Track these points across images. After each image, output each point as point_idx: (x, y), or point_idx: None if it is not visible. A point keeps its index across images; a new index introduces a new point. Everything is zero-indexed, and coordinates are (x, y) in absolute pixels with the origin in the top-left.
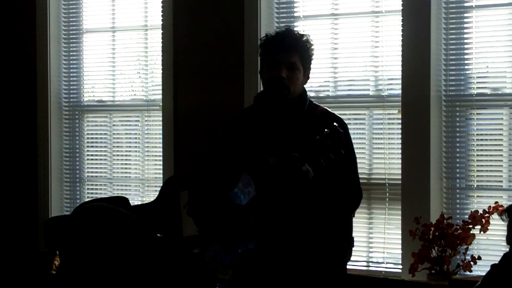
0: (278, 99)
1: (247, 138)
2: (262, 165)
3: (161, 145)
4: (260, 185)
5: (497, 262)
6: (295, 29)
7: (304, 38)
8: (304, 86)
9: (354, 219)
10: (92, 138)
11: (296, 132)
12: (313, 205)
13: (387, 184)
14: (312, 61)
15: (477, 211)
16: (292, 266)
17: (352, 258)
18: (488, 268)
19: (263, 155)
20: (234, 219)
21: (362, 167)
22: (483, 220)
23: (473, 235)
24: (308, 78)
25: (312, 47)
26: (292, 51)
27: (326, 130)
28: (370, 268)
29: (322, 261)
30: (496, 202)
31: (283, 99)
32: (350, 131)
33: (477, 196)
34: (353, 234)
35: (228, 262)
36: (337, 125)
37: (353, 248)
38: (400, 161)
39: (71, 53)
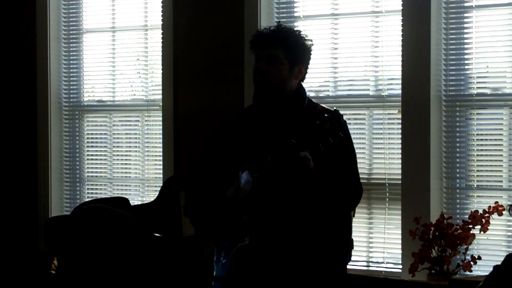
0: (259, 92)
1: (246, 137)
2: (259, 162)
3: (161, 145)
4: (257, 181)
5: (497, 262)
6: (297, 27)
7: (294, 34)
8: (302, 84)
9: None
10: (92, 138)
11: (294, 129)
12: (312, 196)
13: (387, 184)
14: (306, 58)
15: (477, 211)
16: (288, 264)
17: (352, 258)
18: (488, 268)
19: (261, 152)
20: (228, 217)
21: (362, 167)
22: (483, 220)
23: (473, 235)
24: (300, 73)
25: (306, 43)
26: (275, 45)
27: (326, 115)
28: (370, 268)
29: (320, 261)
30: (496, 202)
31: (264, 91)
32: (350, 131)
33: (477, 196)
34: (354, 234)
35: (224, 262)
36: (337, 110)
37: (353, 248)
38: (400, 161)
39: (71, 53)
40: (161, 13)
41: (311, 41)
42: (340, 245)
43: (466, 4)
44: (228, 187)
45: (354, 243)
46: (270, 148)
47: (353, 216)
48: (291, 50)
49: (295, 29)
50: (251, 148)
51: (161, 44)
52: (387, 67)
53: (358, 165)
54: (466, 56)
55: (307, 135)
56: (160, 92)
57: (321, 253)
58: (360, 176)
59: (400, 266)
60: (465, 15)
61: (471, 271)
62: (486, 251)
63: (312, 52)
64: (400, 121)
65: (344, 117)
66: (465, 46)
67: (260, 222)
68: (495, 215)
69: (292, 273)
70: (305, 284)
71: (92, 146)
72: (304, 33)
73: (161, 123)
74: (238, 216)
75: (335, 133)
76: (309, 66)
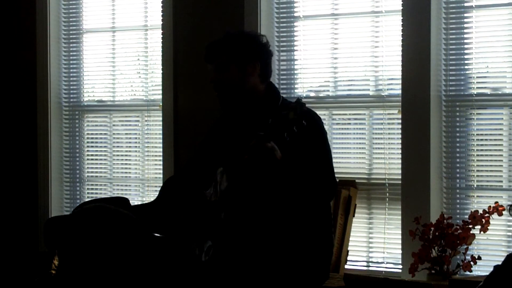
0: (220, 101)
1: (223, 139)
2: (235, 160)
3: (161, 145)
4: (231, 177)
5: (497, 262)
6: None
7: (234, 37)
8: (272, 83)
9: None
10: (92, 138)
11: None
12: (281, 186)
13: (387, 184)
14: (253, 54)
15: (477, 211)
16: (264, 258)
17: (352, 258)
18: (488, 268)
19: (237, 152)
20: (206, 215)
21: (362, 167)
22: (483, 220)
23: (473, 235)
24: (255, 70)
25: (251, 40)
26: (218, 54)
27: (291, 105)
28: (370, 268)
29: (295, 254)
30: (496, 202)
31: (223, 99)
32: (350, 131)
33: (477, 196)
34: (354, 234)
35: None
36: (300, 99)
37: (353, 248)
38: (400, 161)
39: (71, 53)
40: (161, 13)
41: (259, 36)
42: (316, 239)
43: (466, 4)
44: (207, 187)
45: (355, 244)
46: (246, 147)
47: (353, 216)
48: (233, 52)
49: (240, 31)
50: (228, 148)
51: (161, 44)
52: (387, 67)
53: (359, 165)
54: (466, 56)
55: (272, 125)
56: (160, 92)
57: (295, 245)
58: (360, 176)
59: (400, 266)
60: (465, 15)
61: (471, 271)
62: (486, 251)
63: (263, 46)
64: (400, 121)
65: (344, 117)
66: (465, 46)
67: (236, 218)
68: (495, 215)
69: (268, 268)
70: (283, 280)
71: (92, 146)
72: (250, 32)
73: (161, 123)
74: (217, 214)
75: (298, 121)
76: (267, 60)
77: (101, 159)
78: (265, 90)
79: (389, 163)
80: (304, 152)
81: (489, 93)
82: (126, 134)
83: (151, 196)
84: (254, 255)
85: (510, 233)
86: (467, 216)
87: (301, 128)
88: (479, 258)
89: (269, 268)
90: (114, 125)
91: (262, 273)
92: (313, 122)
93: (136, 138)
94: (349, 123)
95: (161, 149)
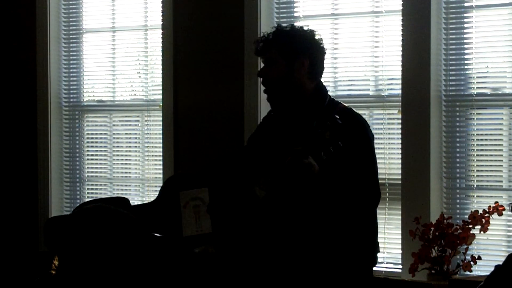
0: (268, 95)
1: (268, 137)
2: (275, 165)
3: (161, 145)
4: (270, 185)
5: (498, 262)
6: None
7: (286, 31)
8: (321, 82)
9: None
10: (92, 138)
11: (312, 132)
12: (319, 199)
13: (387, 184)
14: (303, 50)
15: (477, 211)
16: (300, 266)
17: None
18: (488, 268)
19: (278, 155)
20: (258, 219)
21: None
22: (483, 220)
23: (473, 235)
24: (303, 66)
25: (302, 35)
26: (268, 47)
27: (327, 122)
28: None
29: (338, 263)
30: (496, 202)
31: (269, 93)
32: None
33: (477, 196)
34: None
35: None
36: (338, 117)
37: (379, 251)
38: (400, 161)
39: (71, 53)
40: (161, 13)
41: (311, 32)
42: (359, 247)
43: (466, 4)
44: (254, 188)
45: None
46: (286, 150)
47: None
48: (284, 47)
49: (294, 25)
50: (270, 151)
51: (161, 44)
52: (387, 67)
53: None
54: (466, 56)
55: (310, 143)
56: (160, 92)
57: (338, 255)
58: None
59: (400, 266)
60: (465, 15)
61: (471, 271)
62: (486, 251)
63: (314, 43)
64: (400, 121)
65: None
66: (465, 46)
67: (273, 227)
68: (495, 215)
69: (304, 274)
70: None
71: (92, 146)
72: (303, 27)
73: (161, 123)
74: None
75: (335, 142)
76: (318, 57)
77: (101, 159)
78: (313, 89)
79: (389, 163)
80: (348, 161)
81: (489, 93)
82: (126, 134)
83: (151, 196)
84: (292, 262)
85: (510, 233)
86: (467, 216)
87: (337, 149)
88: (479, 258)
89: (309, 275)
90: (114, 125)
91: (303, 281)
92: (358, 129)
93: (136, 138)
94: None
95: (161, 149)
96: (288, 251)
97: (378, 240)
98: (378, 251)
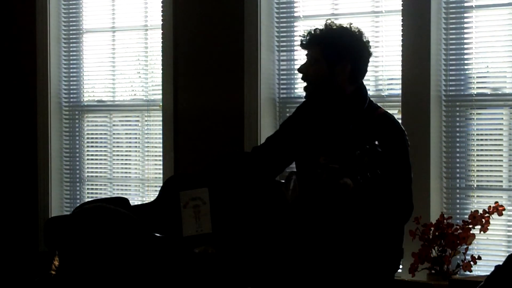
0: (305, 91)
1: (301, 135)
2: (310, 167)
3: (161, 145)
4: (305, 188)
5: (498, 262)
6: (346, 25)
7: (333, 32)
8: (363, 84)
9: None
10: (92, 138)
11: (350, 134)
12: (354, 218)
13: None
14: (347, 55)
15: (477, 211)
16: (334, 274)
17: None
18: (488, 268)
19: (313, 155)
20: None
21: None
22: (483, 220)
23: (473, 235)
24: (344, 71)
25: (347, 40)
26: (313, 45)
27: (367, 146)
28: None
29: (364, 269)
30: (496, 202)
31: (307, 90)
32: None
33: (477, 196)
34: None
35: None
36: (377, 143)
37: (403, 258)
38: None
39: (71, 53)
40: (161, 13)
41: (359, 34)
42: (387, 253)
43: (466, 4)
44: (287, 189)
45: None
46: (322, 150)
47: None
48: (327, 48)
49: (342, 25)
50: (305, 147)
51: (161, 44)
52: (387, 67)
53: None
54: (466, 56)
55: (347, 164)
56: (160, 92)
57: (365, 260)
58: None
59: (400, 266)
60: (465, 15)
61: (471, 271)
62: (486, 251)
63: (359, 47)
64: (400, 121)
65: None
66: (465, 46)
67: (303, 231)
68: (495, 215)
69: (337, 282)
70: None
71: (92, 146)
72: (351, 27)
73: (161, 123)
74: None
75: (373, 169)
76: (361, 61)
77: (101, 159)
78: (352, 92)
79: None
80: (384, 174)
81: (489, 93)
82: (126, 134)
83: (151, 196)
84: (319, 269)
85: (510, 233)
86: (467, 216)
87: (375, 176)
88: (479, 258)
89: (335, 277)
90: (114, 125)
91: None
92: (397, 138)
93: (136, 138)
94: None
95: (161, 149)
96: (315, 253)
97: None
98: (402, 257)
